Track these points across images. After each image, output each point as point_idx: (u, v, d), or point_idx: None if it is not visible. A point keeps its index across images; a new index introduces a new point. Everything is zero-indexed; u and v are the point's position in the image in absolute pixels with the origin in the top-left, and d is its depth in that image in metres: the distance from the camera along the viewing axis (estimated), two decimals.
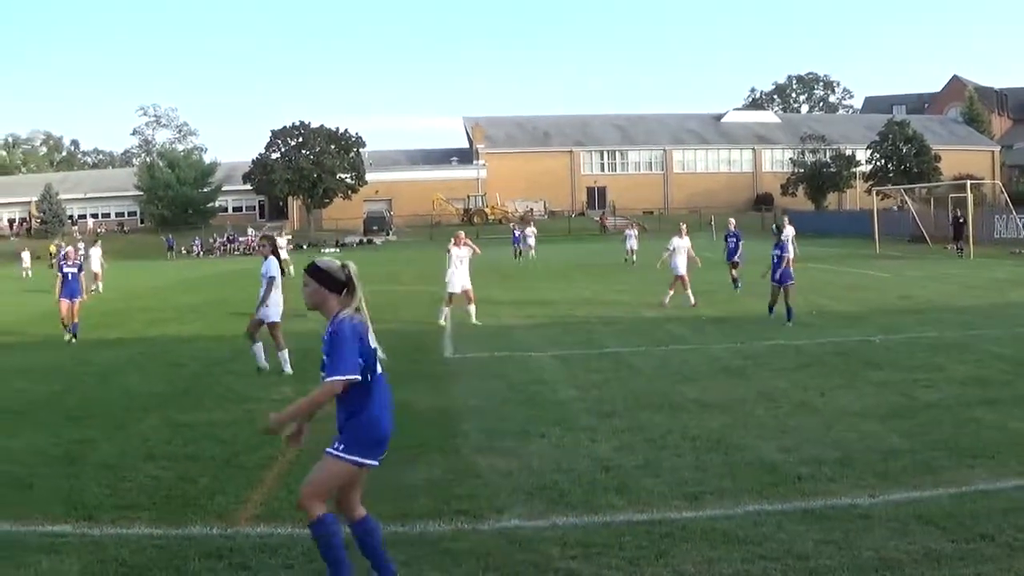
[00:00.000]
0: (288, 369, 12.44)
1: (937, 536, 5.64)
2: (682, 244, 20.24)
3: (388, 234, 76.91)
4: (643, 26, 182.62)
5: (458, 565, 5.47)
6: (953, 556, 5.32)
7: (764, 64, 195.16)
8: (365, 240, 73.84)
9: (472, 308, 18.02)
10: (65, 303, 17.04)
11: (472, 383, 11.63)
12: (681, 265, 19.86)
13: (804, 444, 7.99)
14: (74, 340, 16.70)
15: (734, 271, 22.61)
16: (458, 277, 17.90)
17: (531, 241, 45.71)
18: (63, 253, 17.98)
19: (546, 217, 79.18)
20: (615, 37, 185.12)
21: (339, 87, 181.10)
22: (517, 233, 46.52)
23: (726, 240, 23.13)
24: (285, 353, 12.59)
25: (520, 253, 44.41)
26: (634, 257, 36.75)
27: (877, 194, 50.74)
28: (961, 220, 38.48)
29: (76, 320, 17.12)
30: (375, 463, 4.91)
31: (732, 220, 24.65)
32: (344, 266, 4.95)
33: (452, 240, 18.58)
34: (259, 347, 12.77)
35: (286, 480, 7.15)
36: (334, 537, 4.80)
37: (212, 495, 6.93)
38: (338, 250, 64.89)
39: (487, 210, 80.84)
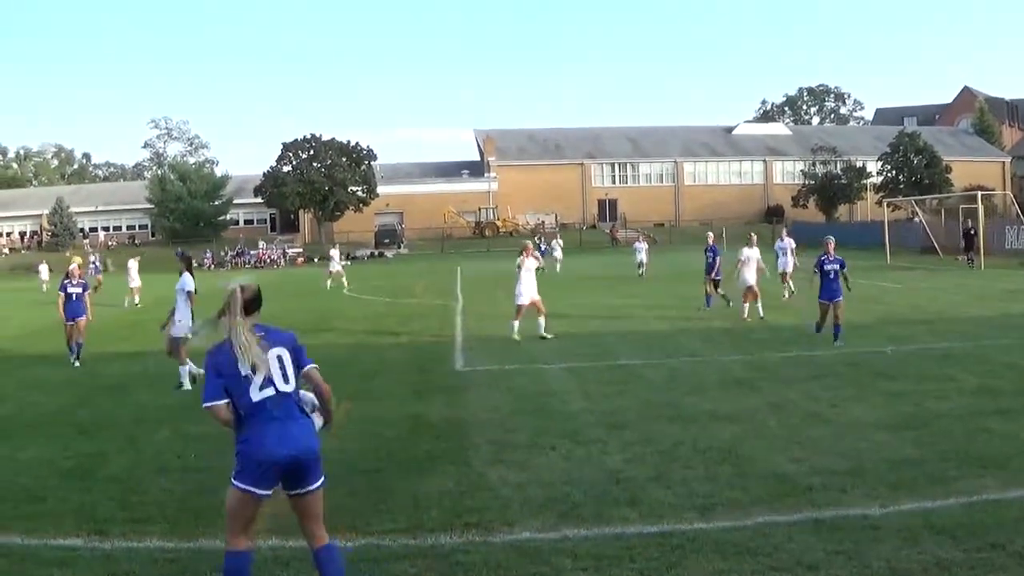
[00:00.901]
0: (187, 384, 12.74)
1: (948, 546, 5.63)
2: (752, 255, 19.80)
3: (399, 247, 76.95)
4: (654, 38, 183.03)
5: None
6: (964, 565, 5.32)
7: (775, 76, 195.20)
8: (376, 253, 73.87)
9: (542, 320, 17.51)
10: (69, 324, 16.05)
11: (483, 395, 11.64)
12: (751, 277, 19.50)
13: (815, 455, 7.99)
14: (77, 363, 15.78)
15: (710, 287, 21.87)
16: (526, 288, 17.57)
17: (557, 253, 46.10)
18: (68, 271, 16.75)
19: (557, 230, 79.10)
20: (626, 50, 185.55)
21: (350, 100, 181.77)
22: (543, 247, 46.89)
23: (705, 254, 22.56)
24: (186, 368, 12.94)
25: (543, 267, 44.48)
26: (642, 270, 36.59)
27: (888, 205, 50.62)
28: (972, 231, 38.36)
29: (82, 340, 16.14)
30: (265, 493, 4.71)
31: (710, 234, 23.59)
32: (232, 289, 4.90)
33: (522, 253, 17.96)
34: (186, 369, 13.01)
35: None
36: (238, 574, 4.77)
37: (224, 508, 6.93)
38: (349, 263, 65.01)
39: (498, 223, 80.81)
